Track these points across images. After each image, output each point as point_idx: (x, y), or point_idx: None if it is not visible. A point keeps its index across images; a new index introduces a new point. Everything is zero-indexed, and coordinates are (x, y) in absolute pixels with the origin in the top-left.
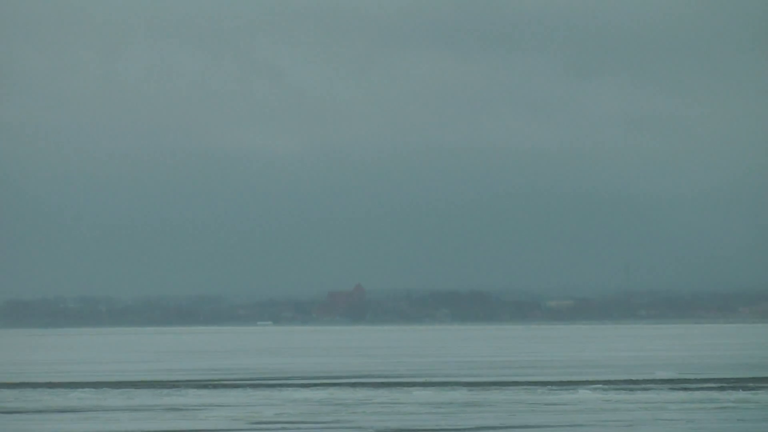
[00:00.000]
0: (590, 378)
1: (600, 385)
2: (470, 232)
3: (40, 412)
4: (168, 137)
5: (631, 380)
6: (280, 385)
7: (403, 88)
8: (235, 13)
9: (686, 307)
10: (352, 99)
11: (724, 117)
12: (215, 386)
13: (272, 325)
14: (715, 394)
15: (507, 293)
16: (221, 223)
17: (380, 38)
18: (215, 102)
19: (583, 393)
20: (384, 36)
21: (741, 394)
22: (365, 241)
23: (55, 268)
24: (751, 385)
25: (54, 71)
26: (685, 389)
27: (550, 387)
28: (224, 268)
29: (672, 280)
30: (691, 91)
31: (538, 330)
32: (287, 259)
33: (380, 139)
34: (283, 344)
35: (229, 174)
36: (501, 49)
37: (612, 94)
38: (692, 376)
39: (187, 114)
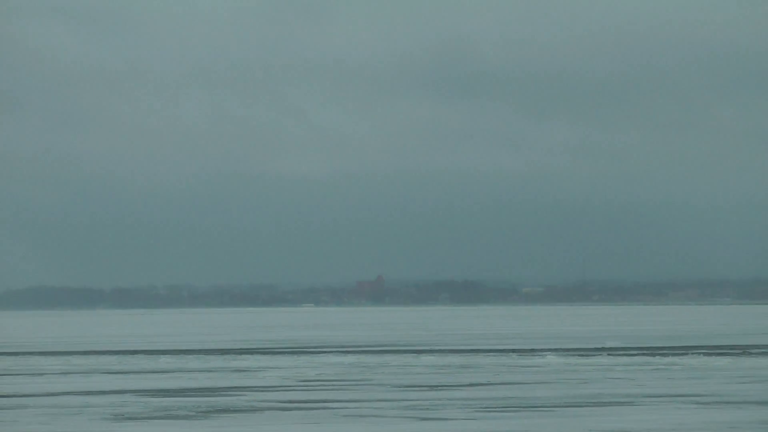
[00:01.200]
0: (555, 346)
1: (563, 352)
2: (462, 234)
3: (137, 372)
4: (222, 162)
5: (587, 348)
6: (319, 352)
7: (401, 123)
8: (267, 66)
9: (628, 292)
10: (361, 132)
11: (651, 143)
12: (270, 353)
13: (313, 306)
14: (650, 359)
15: (492, 282)
16: (272, 229)
17: (381, 85)
18: (256, 136)
19: (550, 358)
20: (384, 83)
21: (670, 359)
22: (384, 242)
23: (148, 263)
24: (678, 352)
25: (129, 113)
26: (628, 355)
27: (524, 353)
28: (277, 263)
29: (617, 271)
30: (620, 125)
31: (516, 310)
32: (324, 256)
33: (384, 163)
34: (321, 321)
35: (270, 192)
36: (473, 94)
37: (560, 128)
38: (633, 345)
39: (235, 145)
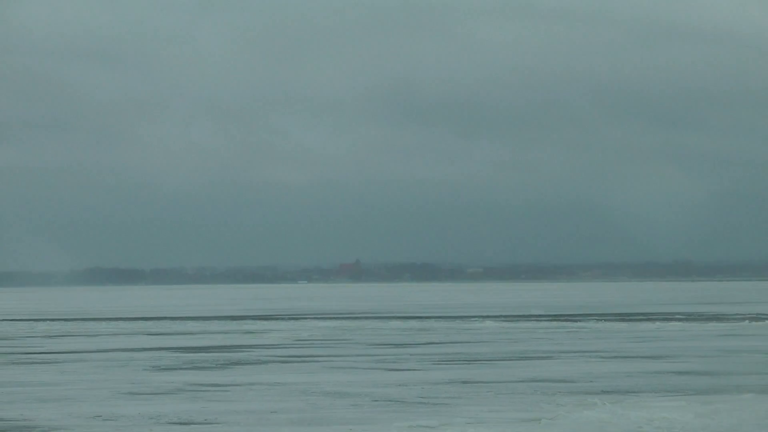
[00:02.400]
0: (492, 314)
1: (497, 318)
2: (419, 227)
3: (170, 334)
4: (228, 172)
5: (516, 315)
6: (310, 318)
7: (365, 142)
8: (259, 98)
9: (548, 272)
10: (334, 149)
11: (557, 157)
12: (273, 319)
13: (306, 283)
14: (564, 323)
15: (444, 264)
16: (272, 223)
17: (349, 113)
18: (252, 152)
19: (488, 323)
20: (350, 112)
21: (580, 323)
22: (359, 233)
23: (178, 249)
24: (586, 318)
25: (152, 134)
26: (547, 320)
27: (467, 319)
28: (278, 249)
29: (539, 255)
30: (533, 143)
31: (462, 286)
32: (314, 244)
33: (354, 173)
34: (312, 294)
35: (267, 195)
36: (420, 120)
37: (486, 146)
38: (551, 313)
39: (236, 159)
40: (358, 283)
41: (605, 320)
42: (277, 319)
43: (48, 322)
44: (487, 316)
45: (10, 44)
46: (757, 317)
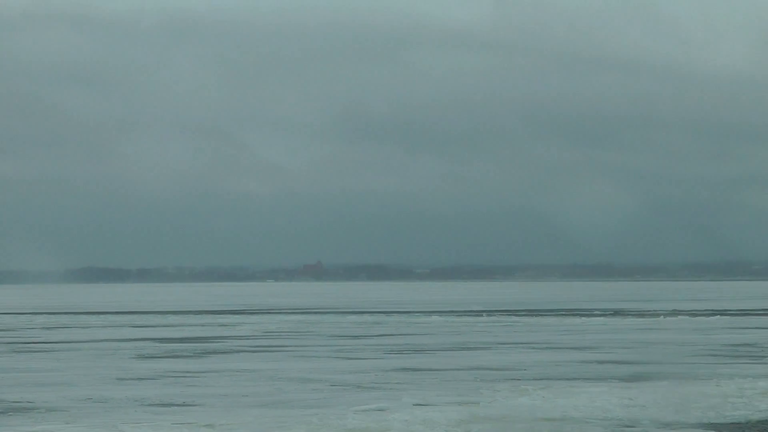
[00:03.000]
0: (437, 309)
1: (443, 314)
2: (372, 232)
3: (152, 326)
4: (201, 183)
5: (459, 310)
6: (277, 313)
7: (322, 157)
8: (228, 117)
9: (487, 272)
10: (295, 164)
11: (491, 171)
12: (244, 313)
13: (274, 281)
14: (503, 318)
15: (395, 265)
16: (243, 228)
17: (307, 132)
18: (223, 166)
19: (434, 317)
20: (309, 131)
21: (515, 318)
22: (321, 238)
23: (160, 251)
24: (519, 313)
25: (132, 149)
26: (487, 315)
27: (416, 314)
28: (248, 251)
29: (479, 257)
30: (469, 159)
31: (412, 285)
32: (280, 247)
33: (312, 184)
34: (278, 292)
35: (238, 203)
36: (371, 138)
37: (429, 161)
38: (490, 309)
39: (208, 171)
40: (320, 281)
41: (537, 315)
42: (247, 313)
43: (45, 315)
44: (433, 312)
45: (9, 71)
46: (671, 313)
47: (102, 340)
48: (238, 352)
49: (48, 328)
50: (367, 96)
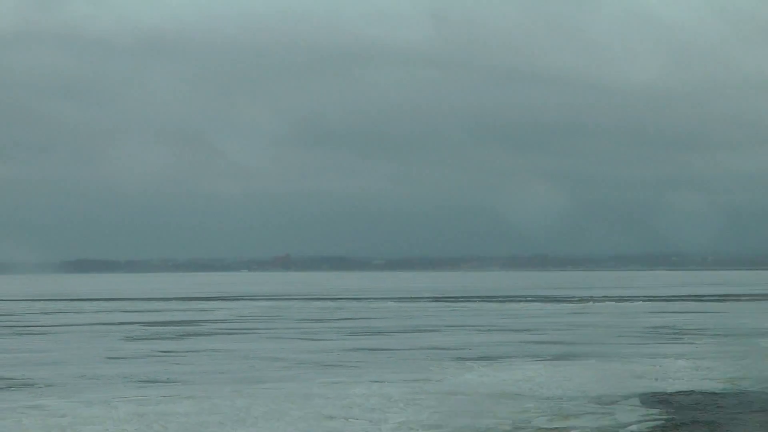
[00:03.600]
0: (392, 296)
1: (397, 300)
2: (333, 227)
3: (140, 311)
4: (182, 184)
5: (411, 297)
6: (250, 299)
7: (286, 162)
8: (204, 126)
9: (436, 263)
10: (263, 167)
11: (436, 173)
12: (220, 299)
13: (248, 272)
14: (449, 304)
15: (355, 256)
16: (218, 223)
17: (272, 140)
18: (202, 168)
19: (389, 303)
20: (274, 139)
21: (461, 304)
22: (289, 232)
23: (147, 243)
24: (466, 299)
25: (118, 155)
26: (436, 301)
27: (373, 300)
28: (224, 244)
29: (428, 248)
30: (417, 162)
31: (370, 275)
32: (253, 241)
33: (283, 186)
34: (251, 281)
35: (215, 202)
36: (328, 144)
37: (381, 165)
38: (438, 295)
39: (188, 174)
40: (288, 271)
41: (480, 301)
42: (223, 299)
43: (43, 301)
44: (388, 298)
45: (5, 84)
46: (600, 299)
47: (94, 324)
48: (215, 334)
49: (46, 313)
50: (325, 107)
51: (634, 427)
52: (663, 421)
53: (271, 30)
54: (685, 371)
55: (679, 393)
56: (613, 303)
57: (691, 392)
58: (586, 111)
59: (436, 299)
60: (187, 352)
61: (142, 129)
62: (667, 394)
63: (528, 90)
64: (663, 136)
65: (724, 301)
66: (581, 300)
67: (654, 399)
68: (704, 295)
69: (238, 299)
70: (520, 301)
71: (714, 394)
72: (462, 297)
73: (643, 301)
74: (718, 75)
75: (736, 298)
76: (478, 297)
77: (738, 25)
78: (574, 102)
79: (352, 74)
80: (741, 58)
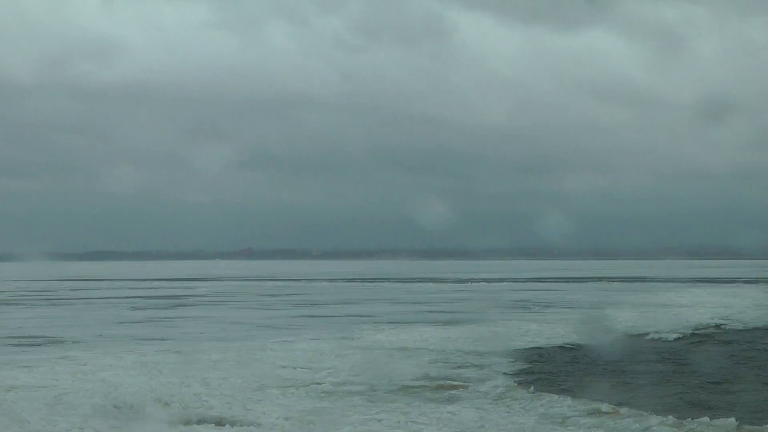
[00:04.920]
0: (326, 278)
1: (331, 281)
2: (282, 226)
3: (141, 288)
4: (163, 194)
5: (340, 278)
6: (222, 280)
7: (243, 182)
8: (170, 147)
9: (359, 253)
10: (229, 181)
11: (349, 192)
12: (200, 280)
13: (221, 260)
14: (368, 284)
15: (299, 248)
16: (196, 224)
17: (232, 164)
18: (173, 181)
19: (324, 283)
20: (234, 163)
21: (377, 284)
22: (251, 231)
23: (146, 239)
24: (381, 280)
25: (105, 171)
26: (359, 282)
27: (313, 281)
28: (202, 239)
29: (354, 242)
30: (338, 180)
31: (311, 263)
32: (224, 237)
33: (243, 196)
34: (223, 267)
35: (191, 209)
36: (270, 168)
37: (313, 181)
38: (359, 278)
39: (166, 184)
40: (250, 260)
41: (390, 282)
42: (203, 280)
43: (70, 281)
44: (323, 279)
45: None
46: (476, 281)
47: (107, 298)
48: (197, 305)
49: (72, 290)
50: (267, 139)
51: (504, 370)
52: (522, 367)
53: (222, 83)
54: (535, 333)
55: (531, 348)
56: (486, 283)
57: (539, 347)
58: (457, 143)
59: (357, 280)
60: (176, 318)
61: (133, 154)
62: (524, 349)
63: (414, 127)
64: (514, 162)
65: (567, 282)
66: (463, 281)
67: (515, 352)
68: (553, 278)
69: (213, 280)
70: (419, 281)
71: (554, 348)
72: (376, 279)
73: (508, 282)
74: (550, 118)
75: (577, 280)
76: (388, 279)
77: (563, 81)
78: (448, 136)
79: (286, 115)
80: (566, 106)
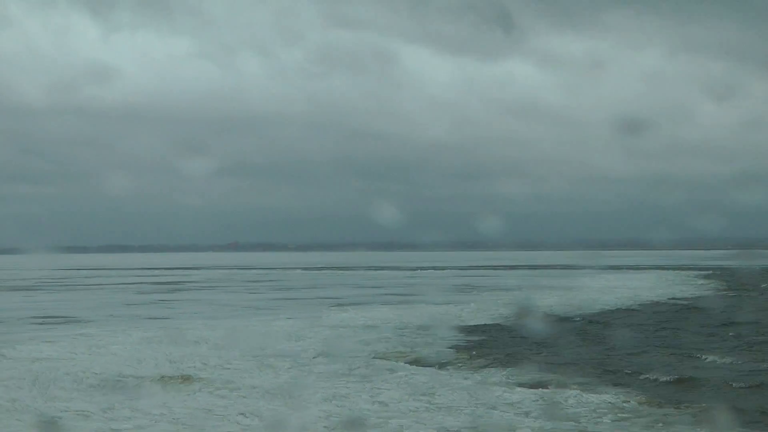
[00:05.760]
0: (300, 267)
1: (303, 269)
2: (264, 224)
3: (146, 276)
4: (163, 200)
5: (311, 267)
6: (214, 269)
7: (229, 189)
8: (169, 164)
9: (327, 246)
10: (213, 188)
11: (306, 196)
12: (195, 269)
13: (212, 252)
14: (334, 271)
15: (277, 242)
16: (193, 222)
17: (212, 176)
18: (174, 190)
19: (298, 271)
20: (212, 174)
21: (342, 271)
22: (236, 227)
23: (150, 234)
24: (345, 269)
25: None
26: (325, 269)
27: (290, 269)
28: (197, 235)
29: (320, 237)
30: (300, 184)
31: (285, 254)
32: (214, 233)
33: (227, 199)
34: (214, 257)
35: (188, 211)
36: (242, 176)
37: (282, 188)
38: (327, 266)
39: (167, 192)
40: (237, 252)
41: (353, 270)
42: (198, 269)
43: (84, 270)
44: (297, 268)
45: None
46: (425, 268)
47: (117, 283)
48: (193, 289)
49: (86, 277)
50: (244, 151)
51: (448, 342)
52: (463, 340)
53: (204, 104)
54: (474, 311)
55: (471, 325)
56: (433, 270)
57: (478, 324)
58: (404, 154)
59: (326, 269)
60: (175, 300)
61: (132, 164)
62: (466, 325)
63: (368, 141)
64: (452, 170)
65: (499, 269)
66: (413, 269)
67: (457, 328)
68: (488, 266)
69: (206, 269)
70: (377, 270)
71: (489, 325)
72: (341, 267)
73: (451, 269)
74: (479, 133)
75: (508, 268)
76: (350, 267)
77: (489, 103)
78: (396, 148)
79: (259, 131)
80: (492, 123)
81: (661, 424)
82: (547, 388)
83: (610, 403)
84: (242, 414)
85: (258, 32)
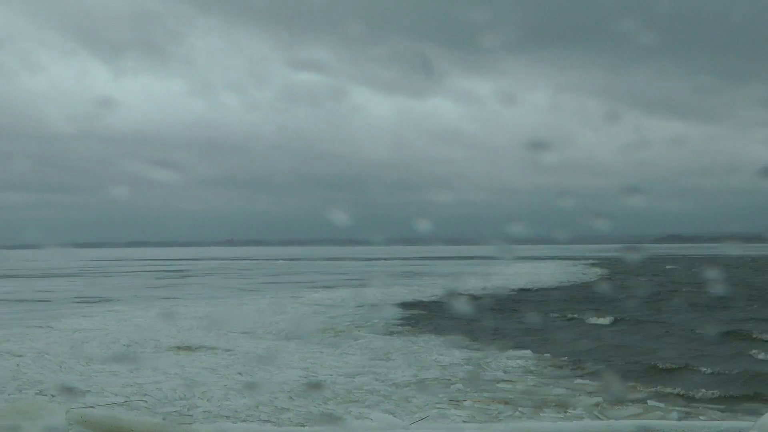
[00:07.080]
0: (282, 258)
1: (285, 260)
2: (251, 225)
3: (154, 266)
4: (166, 208)
5: (291, 258)
6: (214, 260)
7: (221, 202)
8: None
9: (303, 242)
10: (211, 197)
11: (280, 204)
12: (200, 260)
13: (213, 247)
14: (308, 262)
15: (264, 239)
16: (195, 222)
17: (202, 191)
18: (175, 199)
19: (281, 261)
20: (203, 189)
21: (315, 262)
22: (231, 226)
23: (162, 233)
24: (318, 260)
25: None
26: (301, 261)
27: (273, 260)
28: (199, 233)
29: (300, 234)
30: (263, 195)
31: (272, 248)
32: (214, 231)
33: (219, 207)
34: (214, 251)
35: (194, 215)
36: (225, 189)
37: (256, 199)
38: (303, 258)
39: (170, 201)
40: (233, 247)
41: (322, 260)
42: (202, 260)
43: (114, 261)
44: (280, 259)
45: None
46: (386, 260)
47: (138, 271)
48: (199, 276)
49: (116, 267)
50: (232, 168)
51: (396, 316)
52: (408, 314)
53: (195, 130)
54: (416, 292)
55: (414, 302)
56: (384, 261)
57: (419, 301)
58: (355, 169)
59: (300, 259)
60: (184, 284)
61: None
62: (408, 302)
63: (326, 160)
64: (393, 182)
65: (435, 260)
66: (368, 260)
67: (403, 304)
68: (426, 257)
69: (209, 260)
70: (339, 260)
71: (428, 302)
72: (311, 258)
73: (397, 260)
74: (413, 154)
75: (441, 259)
76: (319, 258)
77: (419, 131)
78: (349, 165)
79: (241, 152)
80: (422, 147)
81: (559, 372)
82: (474, 351)
83: (523, 361)
84: (239, 373)
85: (236, 75)
